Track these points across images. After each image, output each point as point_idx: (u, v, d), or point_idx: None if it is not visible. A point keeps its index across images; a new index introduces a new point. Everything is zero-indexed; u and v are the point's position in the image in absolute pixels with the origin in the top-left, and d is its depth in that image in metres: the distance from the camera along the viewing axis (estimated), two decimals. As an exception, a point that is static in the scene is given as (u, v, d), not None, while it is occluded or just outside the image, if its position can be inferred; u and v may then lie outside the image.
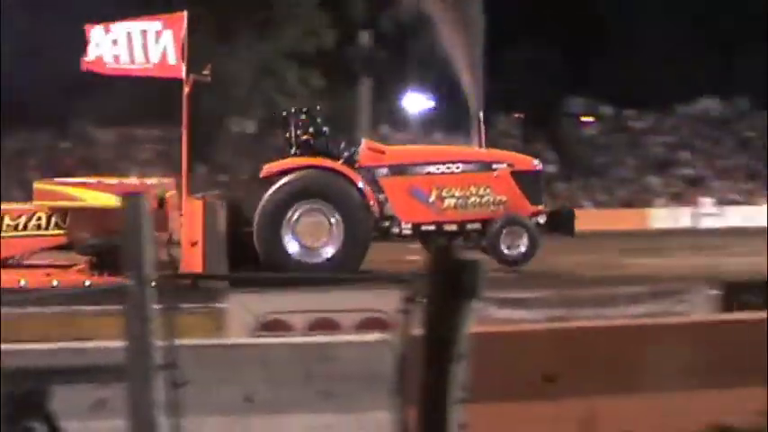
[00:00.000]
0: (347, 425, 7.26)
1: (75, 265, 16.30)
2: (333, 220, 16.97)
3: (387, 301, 8.97)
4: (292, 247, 17.06)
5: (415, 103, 46.76)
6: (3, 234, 15.73)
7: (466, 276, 3.90)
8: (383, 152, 18.34)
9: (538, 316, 11.90)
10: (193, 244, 15.47)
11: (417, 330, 4.44)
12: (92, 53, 16.46)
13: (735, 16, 44.06)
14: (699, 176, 42.66)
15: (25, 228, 15.84)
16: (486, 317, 11.17)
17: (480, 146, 19.50)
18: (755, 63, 42.04)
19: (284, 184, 17.12)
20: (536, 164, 19.35)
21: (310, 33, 41.60)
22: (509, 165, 18.50)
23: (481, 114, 19.95)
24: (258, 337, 10.35)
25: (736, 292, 11.28)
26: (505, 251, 17.44)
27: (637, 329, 8.89)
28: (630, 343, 8.26)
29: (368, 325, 11.20)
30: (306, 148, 17.93)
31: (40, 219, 15.93)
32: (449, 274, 3.91)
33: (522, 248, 17.40)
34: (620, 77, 43.78)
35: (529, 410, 7.74)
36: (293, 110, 19.15)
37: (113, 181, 17.57)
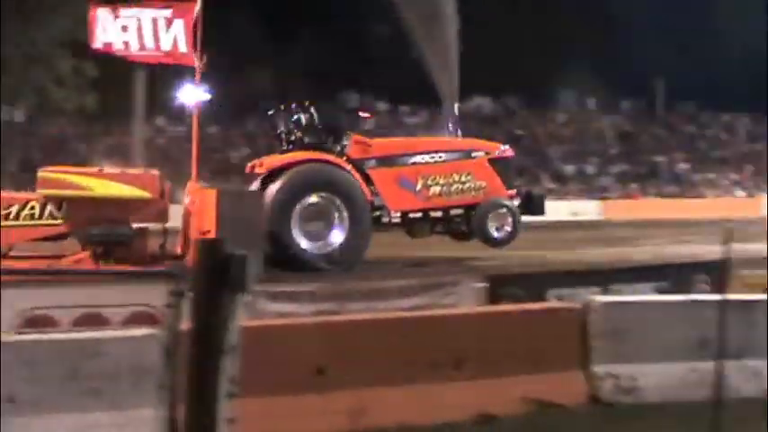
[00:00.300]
0: (115, 423, 7.09)
1: (64, 255, 15.41)
2: (339, 212, 17.26)
3: (156, 295, 8.79)
4: (301, 238, 17.09)
5: (192, 94, 45.78)
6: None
7: (233, 270, 3.89)
8: (370, 145, 18.75)
9: (308, 310, 11.98)
10: (204, 233, 15.03)
11: (185, 325, 4.39)
12: (99, 39, 16.04)
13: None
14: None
15: (17, 217, 15.36)
16: (258, 311, 11.16)
17: (456, 135, 20.23)
18: (526, 64, 43.61)
19: (292, 177, 17.24)
20: (508, 150, 20.11)
21: (83, 22, 40.14)
22: (486, 152, 19.29)
23: (456, 106, 21.01)
24: (20, 333, 9.96)
25: (501, 285, 11.69)
26: (493, 233, 18.19)
27: (403, 321, 9.11)
28: (398, 335, 8.44)
29: (136, 320, 10.94)
30: (298, 144, 18.19)
31: (33, 208, 15.48)
32: (216, 267, 3.89)
33: (508, 229, 18.21)
34: (395, 74, 44.57)
35: (299, 403, 7.77)
36: (284, 106, 19.24)
37: (116, 170, 16.83)
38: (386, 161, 18.39)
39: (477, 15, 47.07)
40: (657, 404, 8.54)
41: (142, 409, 6.58)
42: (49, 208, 15.38)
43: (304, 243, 16.94)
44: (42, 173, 15.68)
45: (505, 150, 19.72)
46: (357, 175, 17.72)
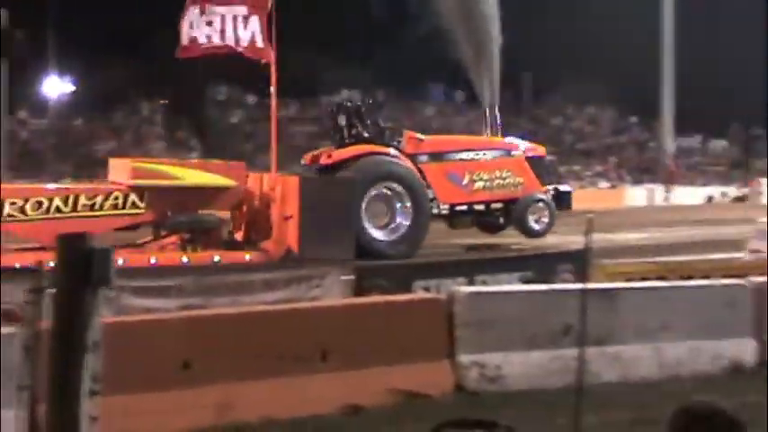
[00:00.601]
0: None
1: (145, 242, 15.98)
2: (402, 202, 18.04)
3: (17, 292, 8.53)
4: (370, 227, 17.52)
5: (55, 87, 44.93)
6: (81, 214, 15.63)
7: (96, 265, 3.79)
8: (422, 141, 19.67)
9: (174, 305, 11.81)
10: (287, 218, 15.79)
11: (46, 322, 4.28)
12: (185, 36, 16.73)
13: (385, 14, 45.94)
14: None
15: (102, 207, 15.84)
16: (122, 306, 10.96)
17: (496, 135, 21.28)
18: (393, 57, 43.65)
19: (361, 168, 17.89)
20: (544, 151, 21.51)
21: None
22: (524, 152, 20.48)
23: (497, 107, 22.09)
24: None
25: (367, 277, 11.74)
26: (533, 225, 19.27)
27: (269, 315, 9.07)
28: (264, 329, 8.39)
29: (-2, 318, 10.63)
30: (360, 138, 18.94)
31: (117, 198, 16.00)
32: (77, 262, 3.79)
33: (545, 221, 19.30)
34: (264, 66, 44.12)
35: (165, 399, 7.65)
36: (345, 102, 20.44)
37: (202, 161, 18.73)
38: (436, 156, 19.37)
39: (347, 7, 47.36)
40: (522, 392, 8.70)
41: (2, 409, 6.39)
42: (132, 197, 15.84)
43: (374, 231, 17.50)
44: (134, 164, 16.45)
45: (539, 150, 21.07)
46: (415, 168, 18.77)
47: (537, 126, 51.66)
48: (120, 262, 13.71)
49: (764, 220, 16.16)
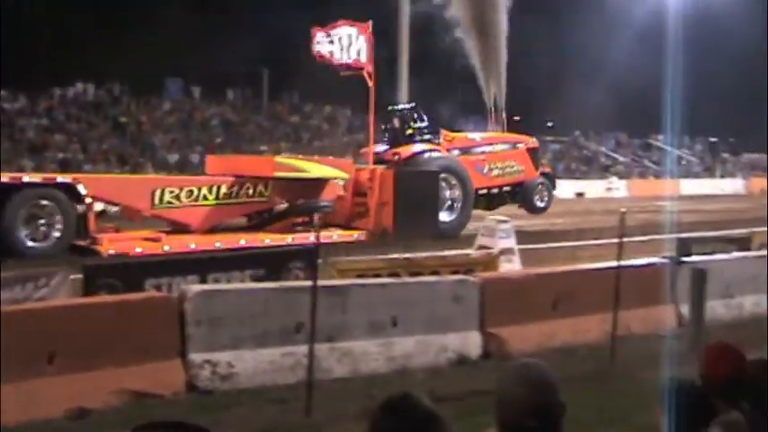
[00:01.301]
0: None
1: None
2: (454, 189, 22.51)
3: None
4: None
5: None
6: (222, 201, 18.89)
7: None
8: (453, 139, 24.27)
9: None
10: (384, 204, 20.12)
11: None
12: (315, 49, 21.55)
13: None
14: (73, 160, 42.15)
15: (237, 195, 19.11)
16: None
17: (503, 130, 27.17)
18: (131, 50, 42.47)
19: (426, 163, 22.28)
20: (536, 142, 26.89)
21: None
22: (524, 144, 25.85)
23: (503, 108, 28.24)
24: None
25: (96, 276, 11.36)
26: (537, 203, 25.30)
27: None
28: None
29: None
30: (415, 138, 23.34)
31: (249, 188, 19.23)
32: None
33: (546, 199, 25.56)
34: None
35: None
36: (401, 106, 24.87)
37: (315, 157, 22.48)
38: (465, 151, 24.17)
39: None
40: (254, 389, 8.74)
41: None
42: (258, 187, 19.17)
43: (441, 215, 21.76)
44: (277, 159, 20.45)
45: (535, 142, 26.65)
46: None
47: (274, 124, 51.85)
48: (242, 242, 17.84)
49: (494, 217, 16.93)
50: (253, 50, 46.46)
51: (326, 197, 19.97)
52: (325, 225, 18.68)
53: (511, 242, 14.59)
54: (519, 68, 32.01)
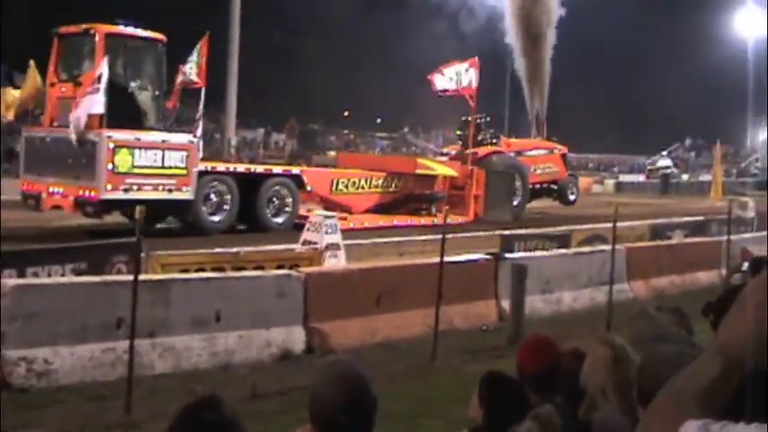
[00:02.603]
0: None
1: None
2: (516, 183, 27.41)
3: None
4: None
5: None
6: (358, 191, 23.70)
7: None
8: (510, 144, 30.01)
9: None
10: (477, 196, 25.41)
11: None
12: (438, 84, 26.45)
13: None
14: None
15: (378, 186, 24.09)
16: None
17: (542, 137, 33.14)
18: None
19: (498, 163, 27.29)
20: (566, 149, 32.00)
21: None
22: (559, 150, 31.23)
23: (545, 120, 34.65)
24: None
25: None
26: (570, 197, 30.59)
27: None
28: None
29: None
30: (486, 142, 28.42)
31: (386, 181, 24.20)
32: None
33: (576, 194, 31.27)
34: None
35: None
36: (473, 117, 27.60)
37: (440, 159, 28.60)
38: (519, 153, 29.31)
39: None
40: (73, 386, 8.53)
41: None
42: (394, 181, 24.20)
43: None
44: (419, 160, 27.18)
45: (565, 149, 31.77)
46: None
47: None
48: (366, 224, 22.00)
49: (320, 212, 16.90)
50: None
51: (437, 189, 25.01)
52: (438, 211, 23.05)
53: (337, 237, 14.62)
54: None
